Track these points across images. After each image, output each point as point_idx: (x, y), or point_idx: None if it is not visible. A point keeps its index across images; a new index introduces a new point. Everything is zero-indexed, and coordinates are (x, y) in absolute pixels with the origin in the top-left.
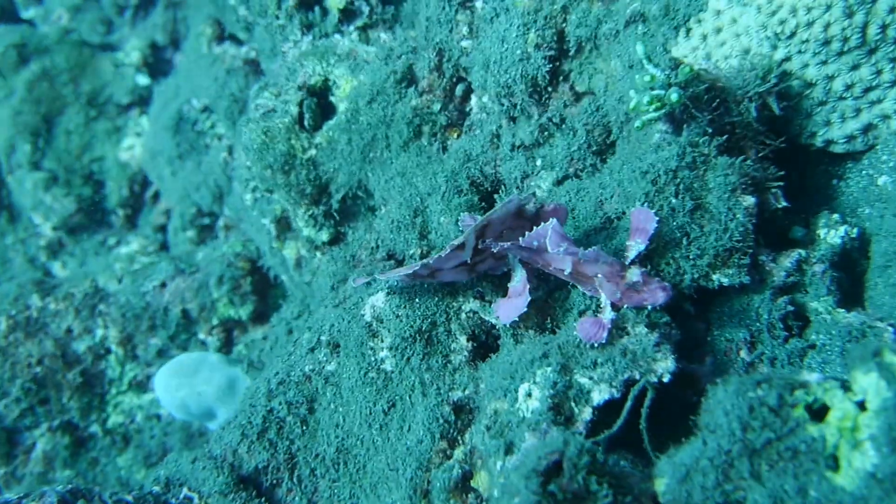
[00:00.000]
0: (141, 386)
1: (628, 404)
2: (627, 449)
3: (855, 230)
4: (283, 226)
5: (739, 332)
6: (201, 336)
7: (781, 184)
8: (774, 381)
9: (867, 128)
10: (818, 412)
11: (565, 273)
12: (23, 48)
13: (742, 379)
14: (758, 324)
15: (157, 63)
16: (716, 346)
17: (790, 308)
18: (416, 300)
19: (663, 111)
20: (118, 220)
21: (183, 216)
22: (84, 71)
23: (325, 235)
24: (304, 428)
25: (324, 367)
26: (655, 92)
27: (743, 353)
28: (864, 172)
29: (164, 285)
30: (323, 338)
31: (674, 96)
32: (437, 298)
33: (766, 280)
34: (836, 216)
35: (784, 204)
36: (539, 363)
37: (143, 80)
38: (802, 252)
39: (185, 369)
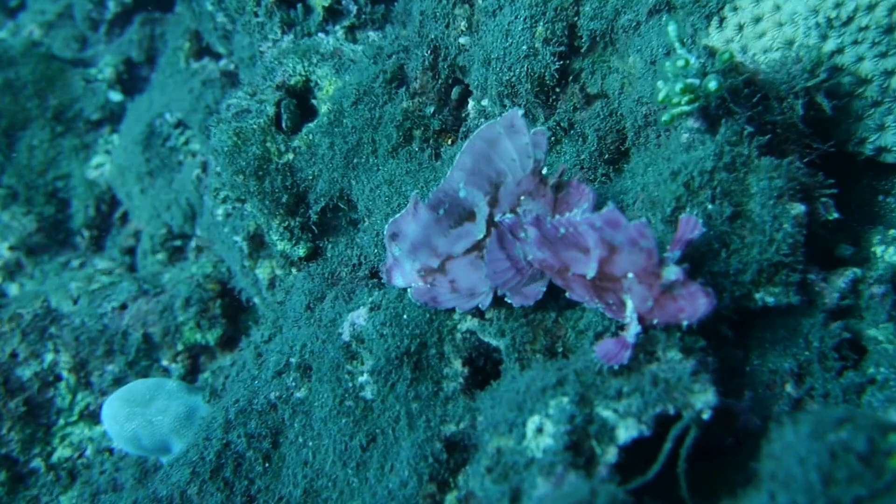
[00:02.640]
0: (93, 416)
1: (667, 445)
2: (654, 497)
3: None
4: (257, 244)
5: (785, 362)
6: (164, 363)
7: (834, 191)
8: (860, 422)
9: None
10: None
11: (588, 277)
12: None
13: (818, 417)
14: (807, 353)
15: (132, 80)
16: (756, 377)
17: (846, 335)
18: (405, 316)
19: (697, 104)
20: (83, 242)
21: (153, 238)
22: (52, 85)
23: (301, 250)
24: (267, 465)
25: (292, 393)
26: (689, 80)
27: (789, 387)
28: None
29: (124, 307)
30: (293, 360)
31: (712, 84)
32: (428, 315)
33: (816, 302)
34: (892, 232)
35: (836, 215)
36: (553, 392)
37: (115, 96)
38: (858, 271)
39: (138, 397)
